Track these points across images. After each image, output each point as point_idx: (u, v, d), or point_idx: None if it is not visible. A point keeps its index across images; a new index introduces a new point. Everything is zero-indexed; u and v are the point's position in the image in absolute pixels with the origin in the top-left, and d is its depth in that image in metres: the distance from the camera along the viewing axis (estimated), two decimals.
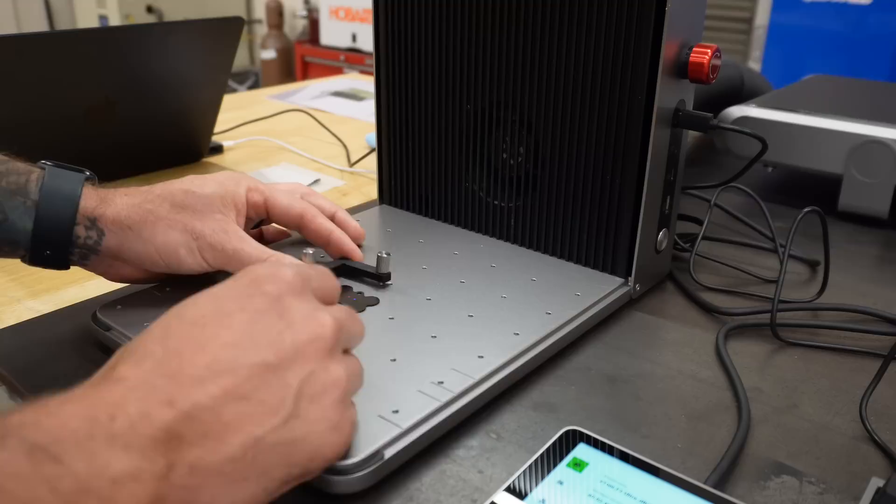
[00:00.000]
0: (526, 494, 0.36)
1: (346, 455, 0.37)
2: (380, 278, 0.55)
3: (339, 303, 0.52)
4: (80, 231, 0.47)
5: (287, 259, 0.51)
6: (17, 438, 0.25)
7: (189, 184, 0.50)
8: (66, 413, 0.27)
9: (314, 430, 0.32)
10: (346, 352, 0.37)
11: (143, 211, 0.48)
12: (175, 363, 0.30)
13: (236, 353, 0.31)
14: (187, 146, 0.91)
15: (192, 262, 0.49)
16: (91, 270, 0.50)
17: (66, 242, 0.47)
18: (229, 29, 0.83)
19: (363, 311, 0.51)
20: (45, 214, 0.46)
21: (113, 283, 0.53)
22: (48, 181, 0.47)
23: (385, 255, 0.54)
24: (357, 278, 0.56)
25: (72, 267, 0.49)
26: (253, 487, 0.30)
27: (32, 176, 0.47)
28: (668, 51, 0.51)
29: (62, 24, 3.88)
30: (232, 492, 0.29)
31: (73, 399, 0.28)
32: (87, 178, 0.49)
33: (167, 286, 0.52)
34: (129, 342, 0.32)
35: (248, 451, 0.29)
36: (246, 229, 0.53)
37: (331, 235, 0.56)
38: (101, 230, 0.47)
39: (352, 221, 0.59)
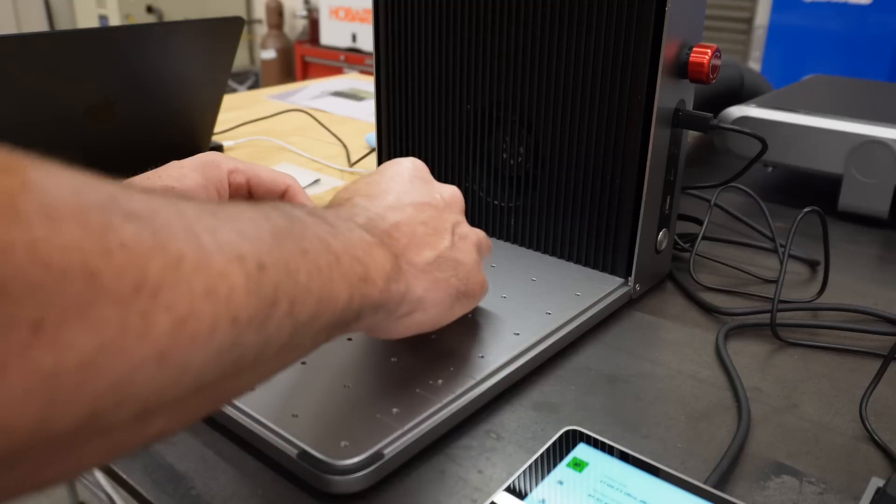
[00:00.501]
0: (526, 494, 0.36)
1: (346, 455, 0.37)
2: None
3: None
4: None
5: None
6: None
7: (168, 178, 0.49)
8: (327, 210, 0.36)
9: (467, 260, 0.42)
10: None
11: None
12: (375, 200, 0.40)
13: (410, 196, 0.41)
14: (187, 146, 0.91)
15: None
16: None
17: None
18: (229, 29, 0.83)
19: None
20: None
21: None
22: None
23: None
24: None
25: None
26: (443, 287, 0.40)
27: None
28: (668, 51, 0.51)
29: (62, 24, 3.88)
30: (433, 287, 0.39)
31: (328, 208, 0.38)
32: None
33: None
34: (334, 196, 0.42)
35: (436, 259, 0.40)
36: None
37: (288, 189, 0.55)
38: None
39: None
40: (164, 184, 0.48)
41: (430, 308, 0.39)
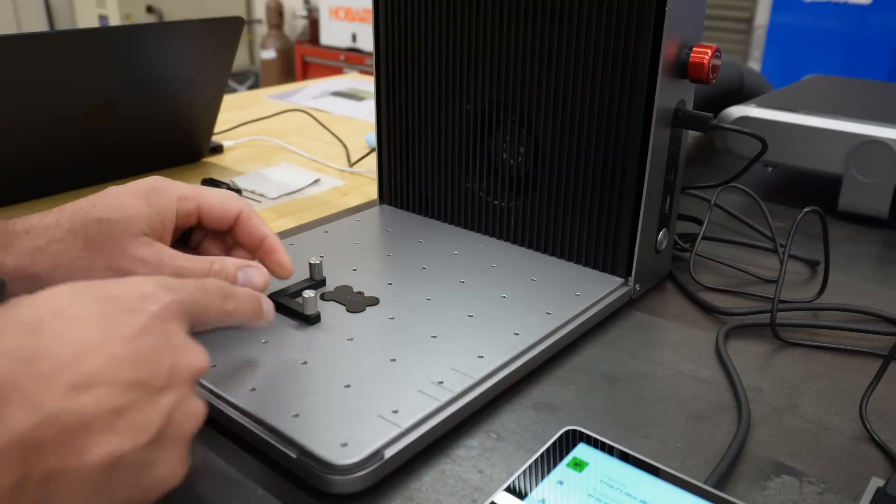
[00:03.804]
0: (526, 494, 0.36)
1: (346, 455, 0.37)
2: (307, 320, 0.49)
3: (337, 302, 0.52)
4: None
5: (224, 262, 0.45)
6: None
7: (104, 208, 0.43)
8: None
9: (167, 458, 0.31)
10: None
11: (52, 255, 0.42)
12: (47, 363, 0.28)
13: (118, 366, 0.29)
14: (187, 146, 0.91)
15: None
16: None
17: None
18: (229, 29, 0.83)
19: (363, 311, 0.51)
20: None
21: None
22: None
23: (310, 295, 0.49)
24: (285, 313, 0.50)
25: None
26: (99, 502, 0.29)
27: None
28: (668, 51, 0.51)
29: (62, 24, 3.88)
30: (90, 501, 0.28)
31: None
32: None
33: None
34: None
35: (107, 467, 0.28)
36: (173, 241, 0.48)
37: (265, 240, 0.49)
38: (1, 283, 0.41)
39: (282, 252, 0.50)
40: (100, 215, 0.43)
41: None
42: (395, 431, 0.39)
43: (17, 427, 0.26)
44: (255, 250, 0.49)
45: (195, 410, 0.33)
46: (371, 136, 1.01)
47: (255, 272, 0.46)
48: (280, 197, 0.82)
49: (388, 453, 0.38)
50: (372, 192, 0.83)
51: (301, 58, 3.59)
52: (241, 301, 0.40)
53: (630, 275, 0.57)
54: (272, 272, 0.49)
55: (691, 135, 1.03)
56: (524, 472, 0.37)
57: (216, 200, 0.48)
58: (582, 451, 0.38)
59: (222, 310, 0.38)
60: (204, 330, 0.37)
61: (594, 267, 0.59)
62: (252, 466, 0.40)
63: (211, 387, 0.42)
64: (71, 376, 0.28)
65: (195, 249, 0.51)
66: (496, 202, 0.64)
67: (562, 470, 0.37)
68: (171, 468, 0.31)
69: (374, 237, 0.65)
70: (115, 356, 0.29)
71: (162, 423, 0.30)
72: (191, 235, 0.51)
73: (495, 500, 0.35)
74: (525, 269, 0.59)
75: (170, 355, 0.31)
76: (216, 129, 0.95)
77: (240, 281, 0.45)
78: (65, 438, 0.27)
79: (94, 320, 0.30)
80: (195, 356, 0.33)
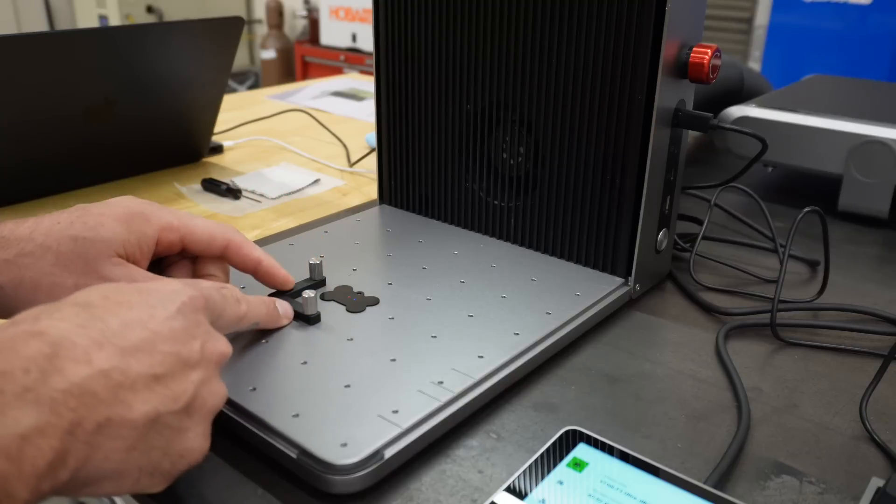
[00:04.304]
0: (526, 494, 0.36)
1: (346, 455, 0.37)
2: (307, 320, 0.49)
3: (337, 302, 0.52)
4: None
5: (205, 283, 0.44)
6: None
7: (81, 226, 0.42)
8: None
9: (195, 430, 0.34)
10: None
11: (19, 268, 0.41)
12: (99, 328, 0.31)
13: (158, 339, 0.33)
14: (187, 146, 0.91)
15: None
16: None
17: None
18: (229, 29, 0.83)
19: (363, 311, 0.51)
20: None
21: None
22: None
23: (310, 295, 0.49)
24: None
25: None
26: (136, 459, 0.31)
27: None
28: (668, 51, 0.51)
29: (62, 24, 3.88)
30: (120, 458, 0.30)
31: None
32: None
33: None
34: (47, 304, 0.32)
35: (147, 424, 0.31)
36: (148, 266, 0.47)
37: (260, 265, 0.49)
38: None
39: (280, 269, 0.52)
40: (76, 233, 0.42)
41: (104, 483, 0.31)
42: (395, 431, 0.39)
43: (74, 378, 0.29)
44: (253, 273, 0.50)
45: (220, 390, 0.36)
46: (371, 136, 1.01)
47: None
48: (280, 197, 0.82)
49: (388, 453, 0.38)
50: (372, 192, 0.83)
51: (301, 58, 3.59)
52: (253, 305, 0.44)
53: (630, 275, 0.57)
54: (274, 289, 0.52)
55: (691, 135, 1.03)
56: (524, 472, 0.37)
57: (202, 233, 0.47)
58: (582, 451, 0.38)
59: (236, 312, 0.41)
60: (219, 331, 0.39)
61: (594, 267, 0.59)
62: (252, 466, 0.40)
63: None
64: (119, 341, 0.31)
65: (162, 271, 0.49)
66: (496, 202, 0.64)
67: (562, 470, 0.37)
68: (198, 441, 0.34)
69: (374, 237, 0.65)
70: (155, 331, 0.33)
71: (193, 394, 0.33)
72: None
73: (495, 500, 0.35)
74: (525, 269, 0.59)
75: (201, 338, 0.35)
76: (216, 129, 0.95)
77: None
78: (113, 392, 0.30)
79: (136, 303, 0.34)
80: (221, 343, 0.37)
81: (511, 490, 0.36)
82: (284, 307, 0.49)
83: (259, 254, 0.50)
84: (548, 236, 0.61)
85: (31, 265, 0.41)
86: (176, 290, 0.36)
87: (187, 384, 0.33)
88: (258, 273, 0.50)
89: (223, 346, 0.37)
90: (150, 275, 0.45)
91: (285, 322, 0.48)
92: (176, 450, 0.33)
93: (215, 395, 0.35)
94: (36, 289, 0.41)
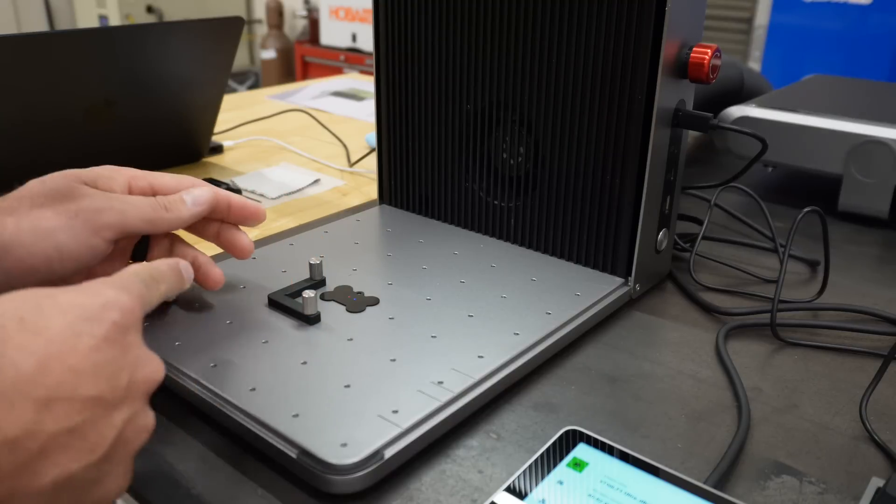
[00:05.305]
0: (526, 494, 0.36)
1: (346, 455, 0.37)
2: (307, 320, 0.49)
3: (337, 302, 0.52)
4: None
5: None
6: None
7: (53, 184, 0.44)
8: None
9: (115, 473, 0.31)
10: None
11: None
12: (10, 377, 0.26)
13: (80, 381, 0.28)
14: (187, 146, 0.91)
15: (77, 245, 0.42)
16: None
17: None
18: (229, 29, 0.83)
19: (363, 311, 0.51)
20: None
21: None
22: None
23: (310, 295, 0.49)
24: (286, 314, 0.51)
25: None
26: None
27: None
28: (668, 51, 0.51)
29: (62, 24, 3.88)
30: None
31: None
32: None
33: None
34: None
35: (57, 487, 0.28)
36: (130, 248, 0.50)
37: (231, 200, 0.50)
38: None
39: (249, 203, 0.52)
40: (47, 188, 0.43)
41: None
42: (395, 431, 0.39)
43: None
44: (225, 213, 0.50)
45: (146, 424, 0.32)
46: (371, 136, 1.01)
47: (198, 191, 0.49)
48: (280, 197, 0.82)
49: (388, 453, 0.38)
50: (372, 192, 0.83)
51: (301, 58, 3.59)
52: (169, 277, 0.41)
53: (630, 275, 0.57)
54: (250, 225, 0.52)
55: (691, 135, 1.03)
56: (524, 472, 0.37)
57: (169, 179, 0.49)
58: (582, 451, 0.38)
59: (160, 294, 0.39)
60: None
61: (594, 267, 0.59)
62: (252, 466, 0.40)
63: (211, 387, 0.42)
64: (33, 391, 0.27)
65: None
66: (496, 202, 0.64)
67: (562, 470, 0.37)
68: (116, 483, 0.31)
69: (374, 237, 0.65)
70: (77, 370, 0.28)
71: (114, 439, 0.30)
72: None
73: (495, 500, 0.35)
74: (525, 269, 0.59)
75: (128, 370, 0.31)
76: (216, 129, 0.95)
77: (188, 203, 0.48)
78: (20, 462, 0.26)
79: (57, 330, 0.29)
80: (151, 368, 0.33)
81: (511, 490, 0.36)
82: (185, 267, 0.44)
83: (226, 193, 0.51)
84: (548, 236, 0.61)
85: (8, 207, 0.42)
86: (106, 303, 0.31)
87: (107, 431, 0.29)
88: (231, 211, 0.50)
89: (155, 374, 0.33)
90: (129, 199, 0.46)
91: (187, 285, 0.44)
92: (90, 499, 0.29)
93: (140, 431, 0.32)
94: (18, 227, 0.41)
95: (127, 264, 0.45)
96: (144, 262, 0.40)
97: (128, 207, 0.45)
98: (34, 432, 0.26)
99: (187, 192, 0.48)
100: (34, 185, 0.44)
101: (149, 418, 0.33)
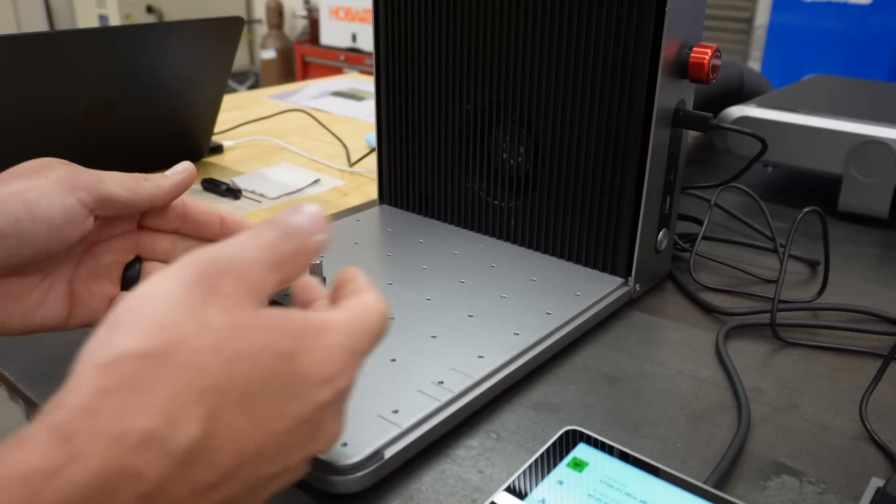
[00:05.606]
0: (526, 494, 0.36)
1: (346, 455, 0.37)
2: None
3: None
4: None
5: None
6: None
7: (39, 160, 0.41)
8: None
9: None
10: None
11: None
12: (208, 462, 0.24)
13: (260, 465, 0.26)
14: (187, 146, 0.91)
15: (49, 203, 0.38)
16: None
17: None
18: (229, 29, 0.83)
19: None
20: None
21: None
22: None
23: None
24: None
25: None
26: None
27: None
28: (668, 51, 0.51)
29: (62, 24, 3.88)
30: None
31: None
32: None
33: None
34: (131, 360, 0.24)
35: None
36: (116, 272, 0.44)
37: (222, 214, 0.45)
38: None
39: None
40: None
41: None
42: (395, 431, 0.39)
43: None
44: (216, 230, 0.45)
45: (295, 479, 0.30)
46: (371, 136, 1.01)
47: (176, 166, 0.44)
48: (280, 197, 0.82)
49: (388, 453, 0.38)
50: (372, 192, 0.83)
51: (301, 58, 3.59)
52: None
53: (630, 275, 0.57)
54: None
55: (691, 135, 1.03)
56: (524, 472, 0.37)
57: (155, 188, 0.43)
58: (582, 451, 0.38)
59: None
60: None
61: (594, 267, 0.59)
62: None
63: None
64: (221, 465, 0.25)
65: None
66: (496, 202, 0.64)
67: (562, 470, 0.37)
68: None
69: (374, 237, 0.65)
70: (260, 453, 0.26)
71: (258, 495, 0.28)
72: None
73: (495, 500, 0.35)
74: (525, 269, 0.59)
75: (310, 448, 0.29)
76: (216, 129, 0.95)
77: (168, 174, 0.43)
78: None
79: (262, 395, 0.26)
80: (333, 439, 0.31)
81: (511, 490, 0.36)
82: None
83: (216, 210, 0.45)
84: (548, 236, 0.61)
85: None
86: (329, 378, 0.28)
87: (262, 493, 0.28)
88: (223, 226, 0.45)
89: (340, 428, 0.31)
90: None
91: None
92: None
93: (286, 484, 0.29)
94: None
95: (122, 266, 0.44)
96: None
97: (105, 174, 0.41)
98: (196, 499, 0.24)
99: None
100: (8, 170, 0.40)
101: (303, 472, 0.30)
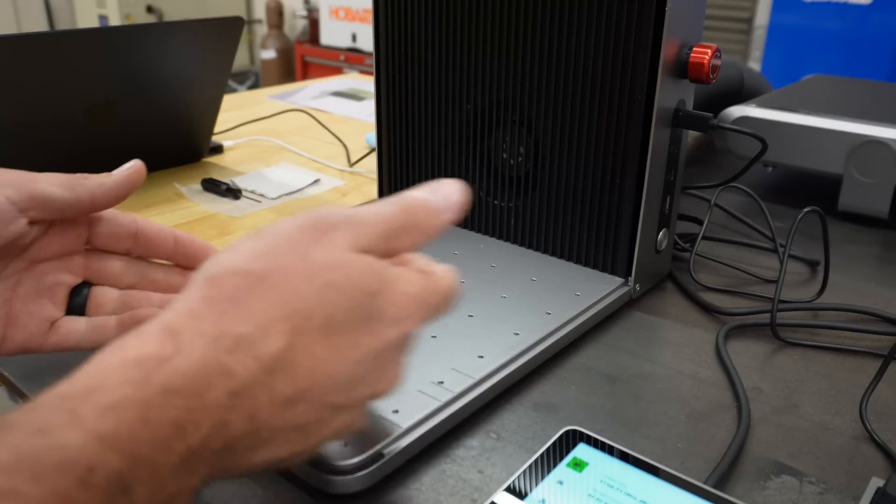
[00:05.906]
0: (526, 494, 0.36)
1: (346, 455, 0.37)
2: None
3: None
4: None
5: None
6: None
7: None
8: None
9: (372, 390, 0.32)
10: None
11: None
12: (287, 374, 0.27)
13: (329, 390, 0.29)
14: (187, 146, 0.91)
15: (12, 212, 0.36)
16: None
17: None
18: (229, 29, 0.83)
19: None
20: None
21: None
22: None
23: None
24: None
25: None
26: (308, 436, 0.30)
27: None
28: (668, 51, 0.51)
29: (62, 24, 3.88)
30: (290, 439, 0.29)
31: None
32: None
33: None
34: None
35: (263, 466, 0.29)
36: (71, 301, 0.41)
37: (175, 235, 0.42)
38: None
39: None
40: None
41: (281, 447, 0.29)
42: (396, 431, 0.39)
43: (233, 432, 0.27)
44: (171, 250, 0.43)
45: (356, 426, 0.32)
46: (371, 136, 1.01)
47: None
48: (280, 197, 0.82)
49: (388, 453, 0.38)
50: (372, 192, 0.83)
51: (301, 58, 3.59)
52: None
53: (630, 275, 0.57)
54: (197, 262, 0.43)
55: (691, 135, 1.03)
56: (524, 472, 0.37)
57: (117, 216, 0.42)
58: (582, 451, 0.38)
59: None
60: None
61: (594, 267, 0.59)
62: None
63: None
64: (286, 388, 0.28)
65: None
66: (496, 202, 0.64)
67: (562, 470, 0.37)
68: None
69: None
70: (335, 378, 0.29)
71: (325, 437, 0.31)
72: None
73: (495, 500, 0.35)
74: (525, 269, 0.59)
75: (374, 386, 0.31)
76: (216, 129, 0.95)
77: (112, 173, 0.41)
78: (244, 444, 0.27)
79: (343, 327, 0.29)
80: (399, 380, 0.33)
81: (511, 490, 0.36)
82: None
83: (170, 229, 0.43)
84: (548, 236, 0.61)
85: None
86: (398, 319, 0.31)
87: (326, 430, 0.30)
88: (178, 248, 0.42)
89: (391, 387, 0.32)
90: None
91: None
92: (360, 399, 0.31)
93: (348, 429, 0.31)
94: None
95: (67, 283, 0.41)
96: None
97: (40, 174, 0.38)
98: (270, 422, 0.27)
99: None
100: None
101: (361, 421, 0.32)
